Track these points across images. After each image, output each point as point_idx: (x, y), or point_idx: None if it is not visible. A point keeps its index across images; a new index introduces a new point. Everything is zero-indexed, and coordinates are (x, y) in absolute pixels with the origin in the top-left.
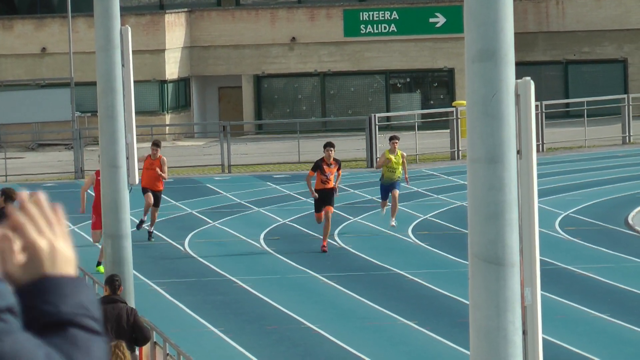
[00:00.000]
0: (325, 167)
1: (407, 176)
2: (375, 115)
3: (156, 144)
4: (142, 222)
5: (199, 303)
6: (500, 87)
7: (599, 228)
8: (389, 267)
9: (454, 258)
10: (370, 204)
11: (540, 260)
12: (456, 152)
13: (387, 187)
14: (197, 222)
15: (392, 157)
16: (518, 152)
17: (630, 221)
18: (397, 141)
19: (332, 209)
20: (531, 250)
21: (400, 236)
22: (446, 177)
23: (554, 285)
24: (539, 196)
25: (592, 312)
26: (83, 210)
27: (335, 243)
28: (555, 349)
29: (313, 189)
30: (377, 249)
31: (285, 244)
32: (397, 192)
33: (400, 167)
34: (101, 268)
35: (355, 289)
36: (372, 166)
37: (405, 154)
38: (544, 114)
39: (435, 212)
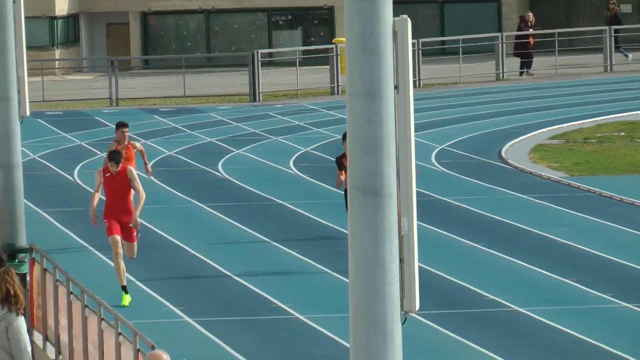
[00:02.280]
0: (345, 162)
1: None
2: (257, 52)
3: (123, 124)
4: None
5: (88, 231)
6: (379, 24)
7: (473, 161)
8: (271, 197)
9: (333, 189)
10: (252, 136)
11: (417, 191)
12: (336, 87)
13: None
14: (85, 153)
15: None
16: (395, 87)
17: (503, 155)
18: None
19: None
20: (408, 182)
21: (282, 168)
22: (326, 111)
23: (430, 215)
24: (416, 130)
25: (467, 241)
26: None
27: (219, 174)
28: (430, 277)
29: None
30: (259, 180)
31: (171, 174)
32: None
33: None
34: (125, 297)
35: (239, 218)
36: (255, 100)
37: None
38: (420, 51)
39: (316, 145)
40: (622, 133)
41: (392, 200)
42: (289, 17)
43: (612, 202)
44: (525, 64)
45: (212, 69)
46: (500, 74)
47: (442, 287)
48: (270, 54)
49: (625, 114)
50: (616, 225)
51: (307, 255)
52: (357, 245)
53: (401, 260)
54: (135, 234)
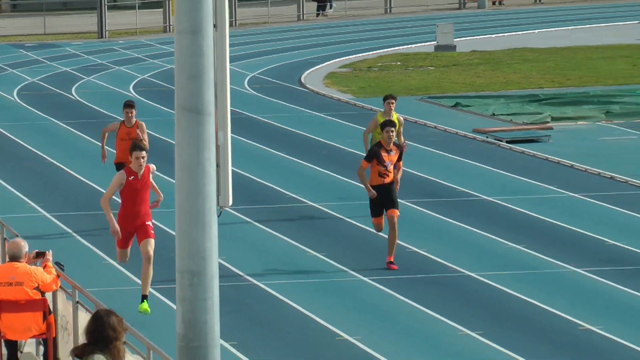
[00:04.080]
0: (383, 154)
1: (402, 141)
2: None
3: (130, 105)
4: None
5: None
6: None
7: (278, 86)
8: (114, 115)
9: (165, 109)
10: (100, 67)
11: (231, 110)
12: (168, 26)
13: None
14: None
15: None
16: (215, 25)
17: (302, 80)
18: (393, 101)
19: (397, 213)
20: (224, 103)
21: (124, 92)
22: (160, 46)
23: (242, 129)
24: (231, 61)
25: (270, 149)
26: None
27: (73, 97)
28: (242, 179)
29: (369, 185)
30: (105, 102)
31: (34, 97)
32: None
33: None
34: (145, 306)
35: (87, 132)
36: (102, 37)
37: (402, 119)
38: None
39: (151, 73)
40: (398, 63)
41: (211, 117)
42: None
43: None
44: (321, 7)
45: (67, 11)
46: (301, 15)
47: (249, 185)
48: None
49: (400, 47)
50: None
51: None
52: (183, 154)
53: (218, 166)
54: (151, 230)
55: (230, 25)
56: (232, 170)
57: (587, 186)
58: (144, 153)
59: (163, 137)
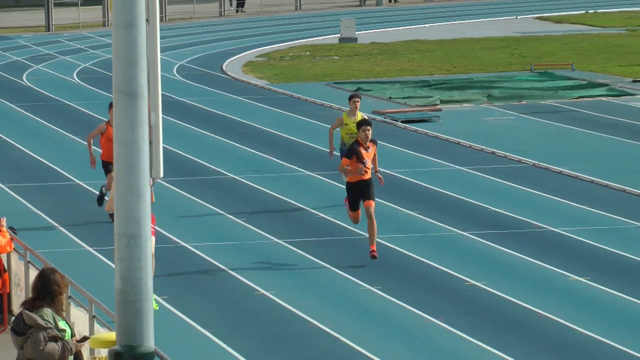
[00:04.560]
0: (362, 151)
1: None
2: None
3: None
4: (102, 195)
5: None
6: None
7: (202, 73)
8: (61, 99)
9: (105, 93)
10: (47, 56)
11: (162, 94)
12: (107, 20)
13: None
14: None
15: (351, 120)
16: (147, 20)
17: (224, 68)
18: (358, 100)
19: (373, 204)
20: (156, 88)
21: (68, 78)
22: (99, 38)
23: (171, 111)
24: (161, 51)
25: (198, 129)
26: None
27: (24, 83)
28: (171, 154)
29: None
30: (52, 87)
31: None
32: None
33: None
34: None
35: (37, 114)
36: (49, 31)
37: (367, 118)
38: None
39: (92, 62)
40: (307, 53)
41: (144, 100)
42: None
43: (299, 101)
44: (239, 4)
45: (19, 8)
46: (222, 12)
47: (178, 159)
48: None
49: (309, 39)
50: (303, 118)
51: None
52: (120, 132)
53: (150, 142)
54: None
55: (160, 20)
56: (163, 147)
57: (472, 160)
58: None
59: (104, 118)
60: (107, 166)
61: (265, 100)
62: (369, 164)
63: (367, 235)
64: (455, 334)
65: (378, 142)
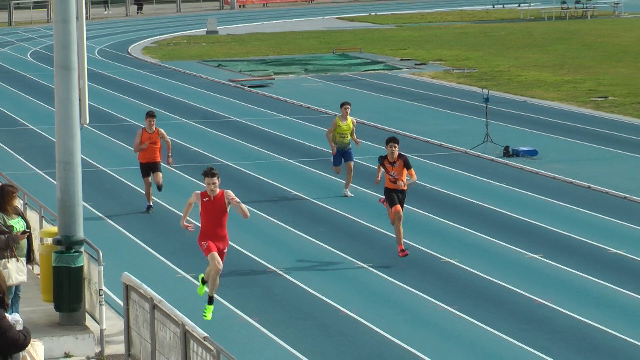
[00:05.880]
0: (387, 165)
1: (356, 139)
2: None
3: (152, 115)
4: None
5: None
6: None
7: (115, 54)
8: (18, 71)
9: (50, 67)
10: (9, 43)
11: (88, 68)
12: (49, 18)
13: (338, 153)
14: None
15: (343, 124)
16: (77, 17)
17: (129, 51)
18: (348, 107)
19: (401, 211)
20: (83, 64)
21: (24, 57)
22: (45, 30)
23: (93, 80)
24: (87, 39)
25: (111, 91)
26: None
27: None
28: (93, 108)
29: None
30: (15, 63)
31: None
32: (352, 163)
33: (349, 133)
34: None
35: (2, 80)
36: (10, 25)
37: (355, 121)
38: None
39: (41, 46)
40: (185, 41)
41: (75, 72)
42: None
43: (180, 73)
44: (139, 7)
45: None
46: (127, 12)
47: (98, 111)
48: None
49: (186, 32)
50: (181, 84)
51: (33, 96)
52: (59, 93)
53: (80, 100)
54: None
55: (86, 18)
56: (88, 103)
57: (295, 111)
58: (215, 179)
59: (50, 85)
60: (145, 168)
61: (157, 72)
62: (398, 176)
63: (396, 236)
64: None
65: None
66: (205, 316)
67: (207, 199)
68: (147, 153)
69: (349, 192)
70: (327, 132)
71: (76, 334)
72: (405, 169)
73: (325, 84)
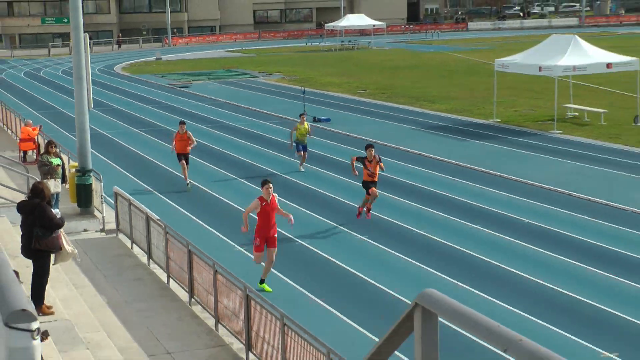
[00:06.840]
0: (367, 164)
1: (310, 135)
2: None
3: (183, 123)
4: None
5: None
6: None
7: (107, 71)
8: (55, 80)
9: (72, 78)
10: (49, 69)
11: (92, 79)
12: (70, 50)
13: (298, 144)
14: None
15: (301, 127)
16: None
17: (115, 69)
18: (304, 116)
19: (376, 191)
20: (88, 77)
21: (56, 73)
22: (69, 58)
23: (96, 85)
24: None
25: (107, 91)
26: (246, 229)
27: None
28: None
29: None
30: (47, 81)
31: None
32: (306, 153)
33: (306, 133)
34: (265, 286)
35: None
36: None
37: (309, 126)
38: None
39: (67, 67)
40: (144, 63)
41: (84, 80)
42: None
43: (145, 82)
44: (119, 45)
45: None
46: (113, 48)
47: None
48: None
49: (142, 59)
50: (148, 88)
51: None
52: (77, 92)
53: (88, 93)
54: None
55: (86, 51)
56: (93, 98)
57: (204, 100)
58: (270, 185)
59: (71, 87)
60: (180, 157)
61: (130, 80)
62: (374, 171)
63: (368, 203)
64: None
65: (379, 156)
66: (267, 290)
67: (264, 203)
68: (179, 146)
69: (302, 169)
70: (291, 131)
71: (89, 219)
72: (378, 165)
73: (219, 85)
